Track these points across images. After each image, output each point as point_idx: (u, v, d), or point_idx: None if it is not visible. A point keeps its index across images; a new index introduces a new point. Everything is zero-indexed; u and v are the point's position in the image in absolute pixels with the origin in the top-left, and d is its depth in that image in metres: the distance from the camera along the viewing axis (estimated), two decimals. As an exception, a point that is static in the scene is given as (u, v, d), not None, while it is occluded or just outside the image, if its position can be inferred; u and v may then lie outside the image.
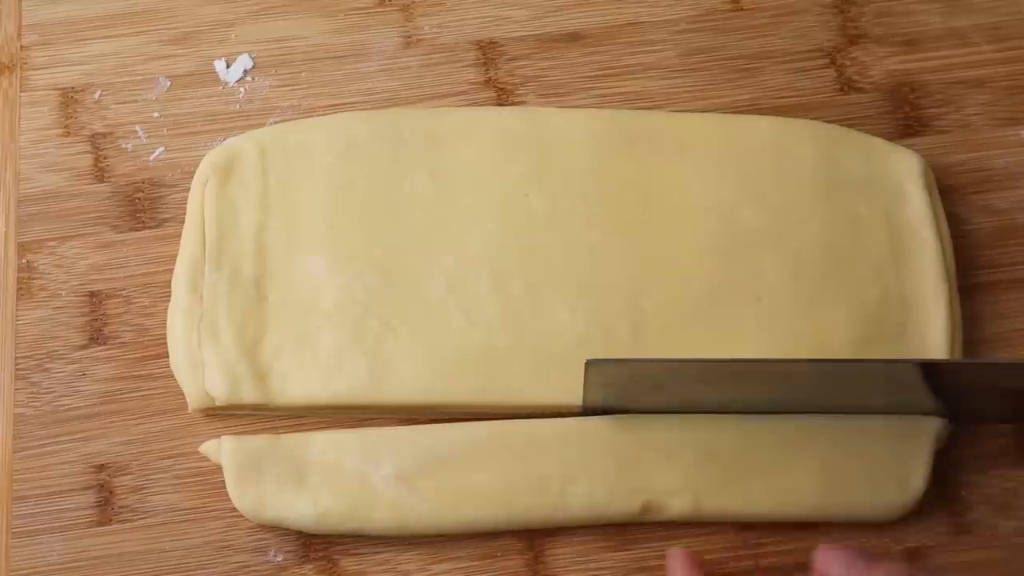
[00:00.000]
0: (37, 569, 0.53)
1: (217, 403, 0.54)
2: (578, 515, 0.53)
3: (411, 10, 0.62)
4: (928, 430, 0.53)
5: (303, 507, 0.52)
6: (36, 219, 0.58)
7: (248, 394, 0.54)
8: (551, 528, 0.54)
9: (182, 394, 0.55)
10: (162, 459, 0.55)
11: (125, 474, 0.55)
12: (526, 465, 0.53)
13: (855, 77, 0.61)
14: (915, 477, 0.53)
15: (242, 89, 0.60)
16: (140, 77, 0.61)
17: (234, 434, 0.55)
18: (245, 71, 0.61)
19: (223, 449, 0.53)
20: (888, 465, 0.53)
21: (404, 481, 0.53)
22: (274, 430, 0.55)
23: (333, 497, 0.52)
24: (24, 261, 0.58)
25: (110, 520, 0.54)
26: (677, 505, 0.53)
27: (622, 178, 0.57)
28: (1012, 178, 0.60)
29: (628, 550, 0.54)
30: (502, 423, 0.54)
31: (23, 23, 0.61)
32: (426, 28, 0.62)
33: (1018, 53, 0.62)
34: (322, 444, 0.53)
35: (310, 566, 0.54)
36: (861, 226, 0.56)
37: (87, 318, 0.57)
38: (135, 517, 0.54)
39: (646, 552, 0.54)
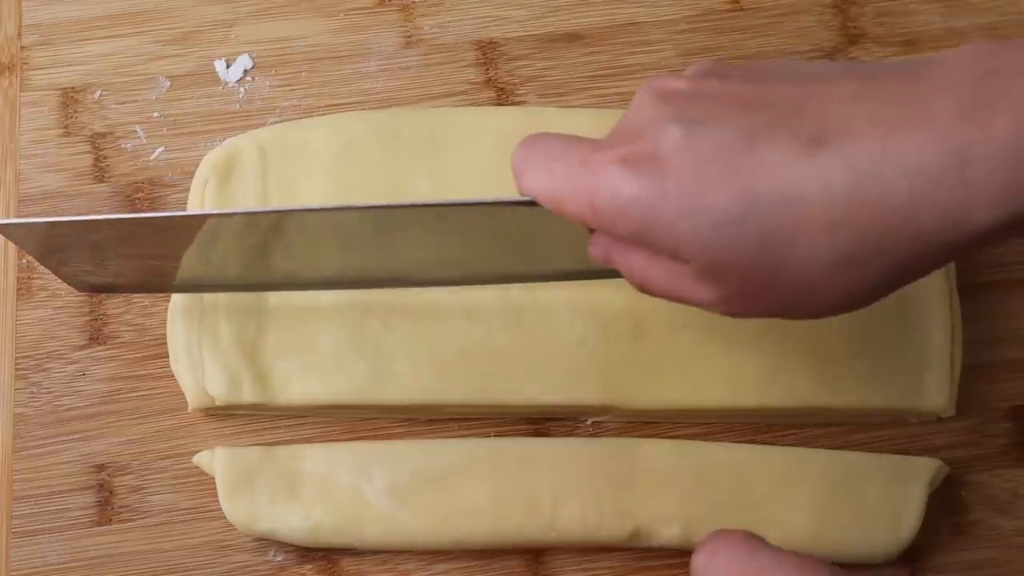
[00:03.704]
0: (37, 569, 0.53)
1: (217, 403, 0.54)
2: (568, 537, 0.53)
3: (411, 10, 0.62)
4: (924, 471, 0.53)
5: (295, 520, 0.52)
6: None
7: (248, 394, 0.54)
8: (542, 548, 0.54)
9: (182, 394, 0.55)
10: (162, 459, 0.55)
11: (125, 474, 0.55)
12: (518, 484, 0.53)
13: (855, 77, 0.61)
14: (908, 518, 0.53)
15: (242, 89, 0.60)
16: (140, 77, 0.60)
17: (234, 434, 0.55)
18: (245, 71, 0.61)
19: (216, 460, 0.53)
20: (881, 504, 0.53)
21: (396, 496, 0.52)
22: (274, 430, 0.55)
23: (325, 511, 0.52)
24: (24, 261, 0.58)
25: (110, 520, 0.54)
26: (667, 533, 0.53)
27: (622, 178, 0.57)
28: (1012, 178, 0.60)
29: (628, 551, 0.54)
30: (495, 440, 0.54)
31: (23, 23, 0.61)
32: (426, 28, 0.62)
33: (1018, 53, 0.62)
34: (315, 457, 0.53)
35: (310, 566, 0.54)
36: (861, 226, 0.56)
37: (87, 318, 0.57)
38: (135, 517, 0.54)
39: (646, 553, 0.54)
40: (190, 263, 0.51)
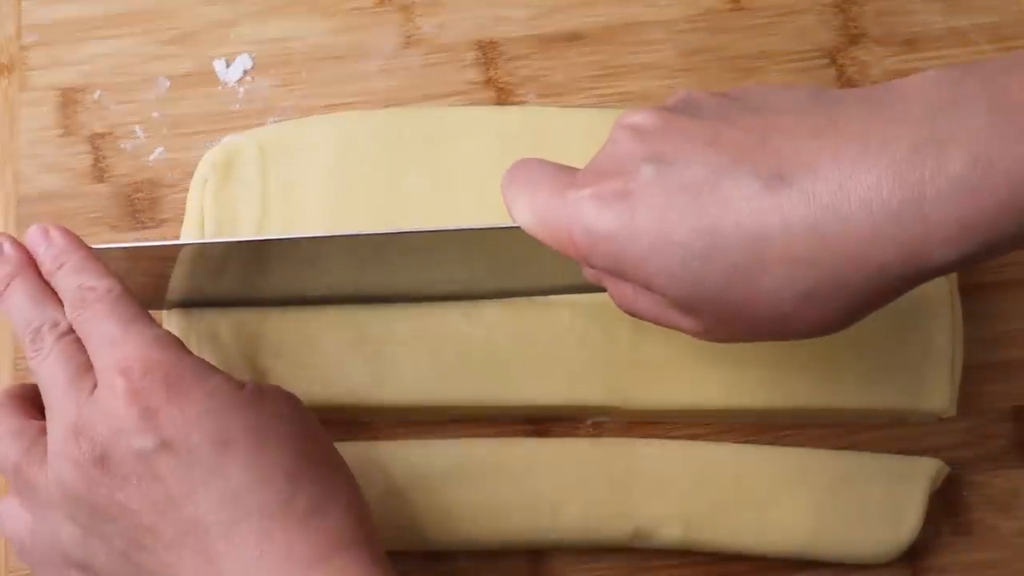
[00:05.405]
0: (37, 569, 0.53)
1: (217, 403, 0.54)
2: (569, 537, 0.53)
3: (411, 10, 0.62)
4: (925, 471, 0.53)
5: None
6: (36, 219, 0.58)
7: (248, 394, 0.54)
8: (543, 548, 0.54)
9: (182, 394, 0.55)
10: (162, 459, 0.55)
11: (125, 474, 0.54)
12: (518, 485, 0.53)
13: (856, 77, 0.61)
14: (908, 519, 0.53)
15: (242, 89, 0.60)
16: (140, 77, 0.60)
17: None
18: (245, 71, 0.61)
19: None
20: (882, 505, 0.53)
21: (396, 496, 0.52)
22: (274, 430, 0.55)
23: None
24: (24, 261, 0.58)
25: (110, 520, 0.54)
26: (667, 533, 0.53)
27: (622, 178, 0.57)
28: (1012, 178, 0.60)
29: (629, 551, 0.54)
30: (495, 441, 0.54)
31: (23, 23, 0.61)
32: (426, 28, 0.62)
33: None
34: None
35: (310, 566, 0.54)
36: (861, 226, 0.56)
37: (87, 318, 0.57)
38: (135, 517, 0.54)
39: (647, 553, 0.54)
40: (181, 284, 0.51)
